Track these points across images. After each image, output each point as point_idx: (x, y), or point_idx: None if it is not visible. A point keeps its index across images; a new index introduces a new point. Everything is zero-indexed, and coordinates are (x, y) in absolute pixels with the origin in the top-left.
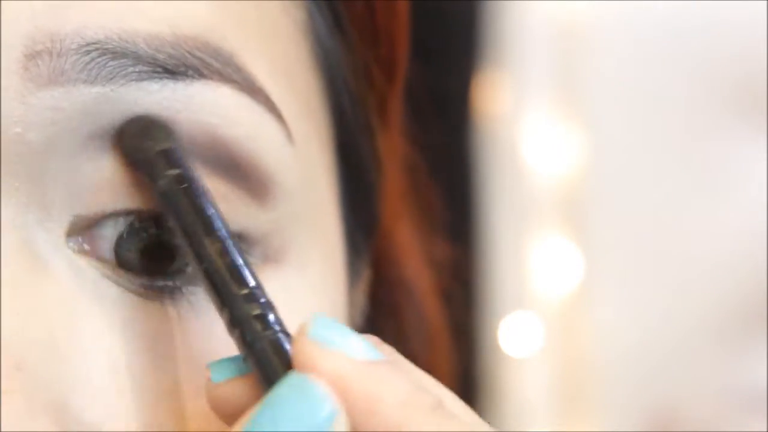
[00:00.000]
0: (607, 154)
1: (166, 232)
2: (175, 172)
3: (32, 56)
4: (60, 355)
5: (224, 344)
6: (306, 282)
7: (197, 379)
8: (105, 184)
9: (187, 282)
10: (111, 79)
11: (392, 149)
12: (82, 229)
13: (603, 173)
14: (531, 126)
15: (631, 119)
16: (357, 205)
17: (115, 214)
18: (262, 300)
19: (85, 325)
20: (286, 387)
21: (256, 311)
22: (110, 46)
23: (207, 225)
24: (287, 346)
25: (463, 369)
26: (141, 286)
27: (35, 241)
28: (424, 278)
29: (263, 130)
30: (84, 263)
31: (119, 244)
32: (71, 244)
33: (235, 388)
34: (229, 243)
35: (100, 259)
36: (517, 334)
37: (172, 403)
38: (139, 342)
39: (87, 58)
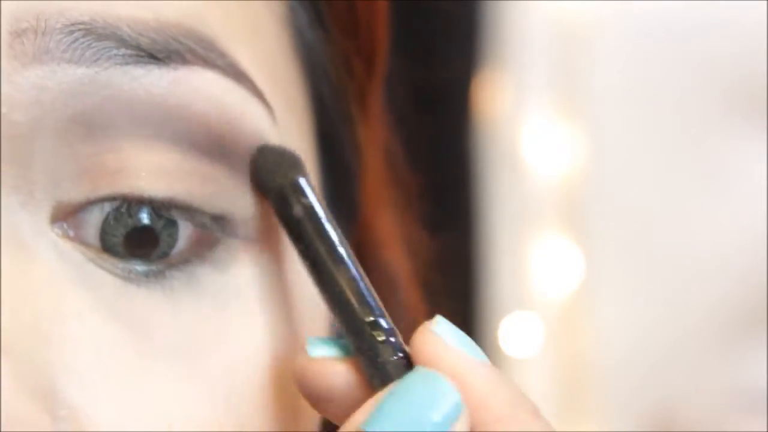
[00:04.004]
0: (607, 154)
1: (150, 217)
2: (307, 202)
3: (17, 34)
4: (46, 339)
5: (206, 328)
6: (288, 266)
7: (179, 363)
8: (85, 173)
9: (170, 267)
10: (95, 60)
11: (373, 139)
12: (66, 214)
13: (603, 173)
14: (531, 126)
15: (631, 119)
16: (337, 194)
17: (98, 200)
18: (387, 326)
19: (70, 308)
20: (415, 378)
21: (381, 337)
22: (94, 28)
23: (337, 255)
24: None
25: None
26: (125, 270)
27: (19, 225)
28: (404, 267)
29: (249, 113)
30: (68, 247)
31: (104, 230)
32: (56, 229)
33: (331, 367)
34: (354, 272)
35: (84, 244)
36: (517, 334)
37: (156, 387)
38: (123, 326)
39: (71, 38)
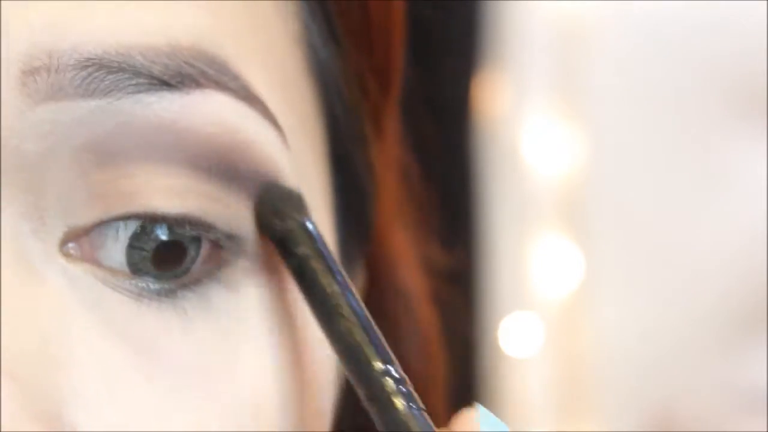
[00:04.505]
0: (607, 154)
1: (171, 233)
2: (310, 248)
3: (30, 72)
4: (53, 364)
5: (216, 349)
6: (297, 289)
7: (188, 386)
8: (97, 197)
9: (182, 286)
10: (108, 92)
11: (387, 157)
12: (78, 236)
13: (603, 173)
14: (531, 126)
15: (631, 119)
16: (350, 214)
17: (111, 220)
18: (398, 375)
19: (78, 333)
20: None
21: (392, 386)
22: (107, 61)
23: (340, 302)
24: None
25: (460, 370)
26: (138, 288)
27: (29, 251)
28: (419, 284)
29: (260, 136)
30: (79, 271)
31: (114, 251)
32: (67, 251)
33: None
34: (363, 320)
35: (95, 264)
36: (517, 334)
37: (164, 411)
38: (132, 349)
39: (84, 73)
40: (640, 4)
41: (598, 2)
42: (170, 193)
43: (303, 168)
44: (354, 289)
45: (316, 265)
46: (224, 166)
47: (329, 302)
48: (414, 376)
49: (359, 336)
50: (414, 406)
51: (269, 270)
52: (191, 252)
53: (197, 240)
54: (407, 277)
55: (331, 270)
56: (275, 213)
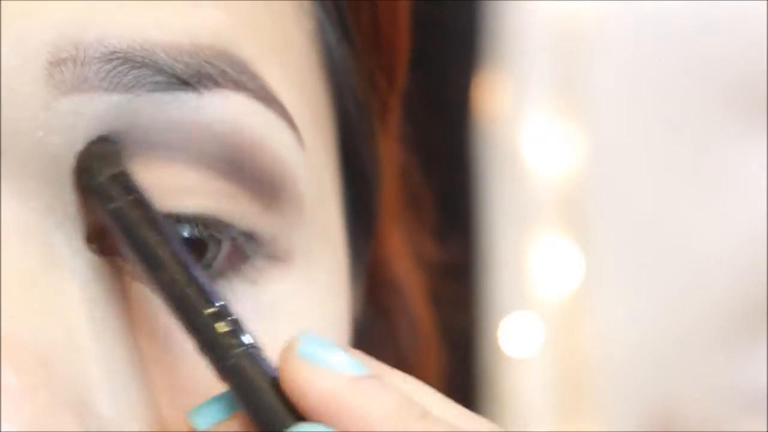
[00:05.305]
0: (607, 154)
1: (192, 230)
2: (123, 201)
3: (57, 63)
4: (81, 353)
5: None
6: (313, 285)
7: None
8: None
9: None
10: (131, 88)
11: (389, 153)
12: (100, 231)
13: (603, 173)
14: (531, 126)
15: (631, 119)
16: (358, 210)
17: None
18: (231, 317)
19: (104, 322)
20: None
21: (225, 328)
22: (132, 56)
23: (163, 249)
24: (265, 364)
25: (460, 370)
26: None
27: (54, 243)
28: (415, 281)
29: (275, 136)
30: (105, 263)
31: None
32: (92, 246)
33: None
34: (189, 264)
35: (119, 257)
36: (517, 335)
37: (192, 401)
38: (158, 339)
39: (109, 66)
40: (640, 4)
41: (598, 2)
42: (184, 191)
43: (316, 164)
44: (177, 236)
45: (130, 217)
46: (235, 164)
47: (147, 253)
48: (409, 371)
49: (187, 281)
50: (247, 343)
51: (289, 268)
52: (212, 247)
53: (216, 237)
54: (403, 273)
55: (146, 220)
56: (86, 169)
